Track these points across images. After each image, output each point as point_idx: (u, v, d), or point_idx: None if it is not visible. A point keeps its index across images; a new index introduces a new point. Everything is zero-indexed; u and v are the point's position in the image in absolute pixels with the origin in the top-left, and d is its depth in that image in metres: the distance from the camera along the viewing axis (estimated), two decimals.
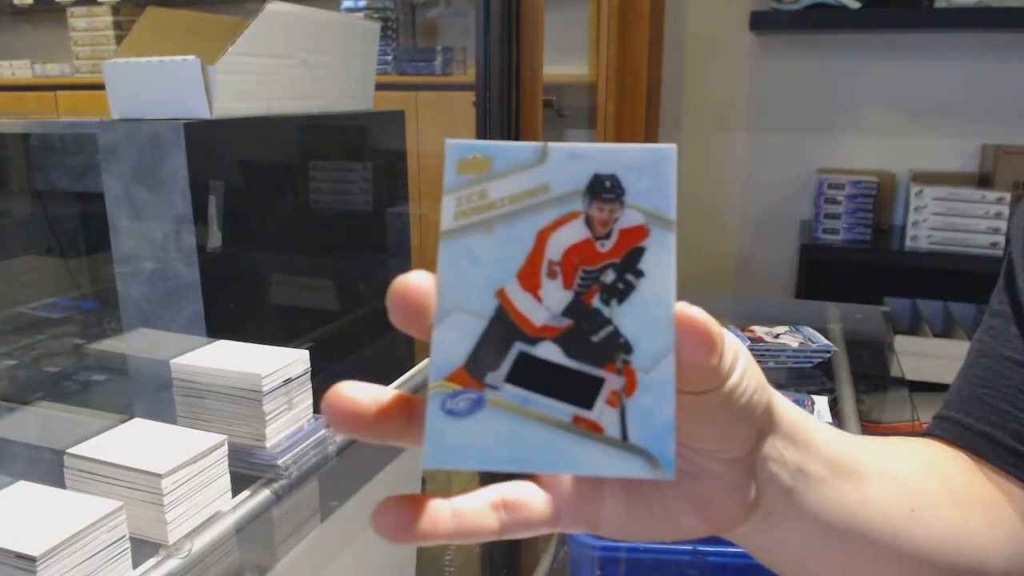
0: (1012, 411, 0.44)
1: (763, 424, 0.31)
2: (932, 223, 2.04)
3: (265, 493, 0.69)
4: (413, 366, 1.04)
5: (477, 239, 0.25)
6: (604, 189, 0.25)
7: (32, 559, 0.48)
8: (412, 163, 1.29)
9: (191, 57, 0.86)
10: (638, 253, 0.25)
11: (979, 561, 0.40)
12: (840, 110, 2.35)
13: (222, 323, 0.88)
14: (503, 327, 0.25)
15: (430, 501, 0.27)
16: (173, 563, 0.59)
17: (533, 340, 0.25)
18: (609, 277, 0.25)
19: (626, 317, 0.25)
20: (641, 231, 0.25)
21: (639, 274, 0.25)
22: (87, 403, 0.99)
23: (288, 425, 0.72)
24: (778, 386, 0.59)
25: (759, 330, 1.13)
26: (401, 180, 1.25)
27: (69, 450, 0.60)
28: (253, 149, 0.95)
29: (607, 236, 0.25)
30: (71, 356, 1.09)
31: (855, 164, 2.36)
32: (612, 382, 0.25)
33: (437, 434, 0.25)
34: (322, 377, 0.76)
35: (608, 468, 0.25)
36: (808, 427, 0.33)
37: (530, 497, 0.29)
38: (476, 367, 0.25)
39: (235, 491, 0.66)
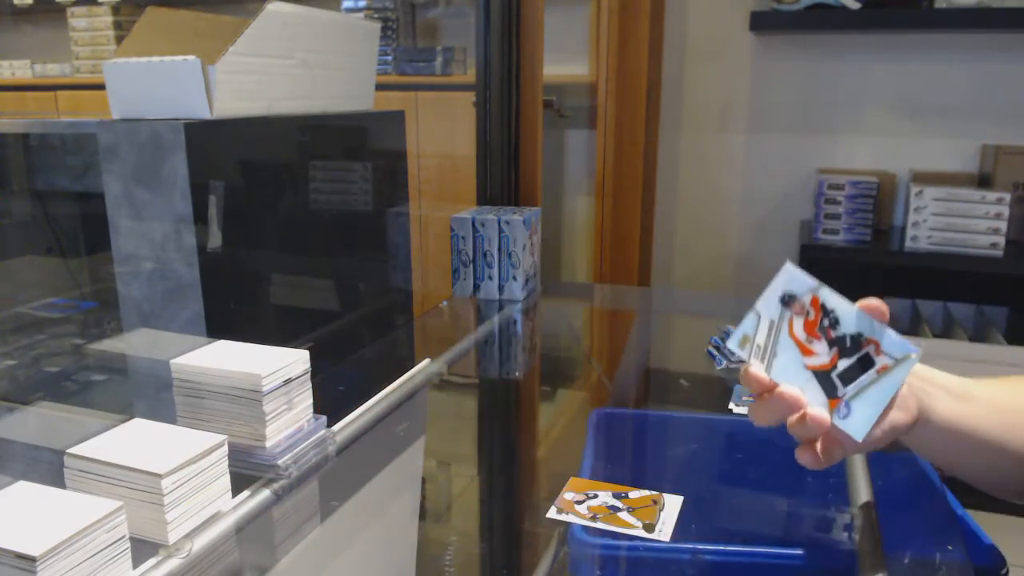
0: None
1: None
2: (932, 223, 2.04)
3: (265, 493, 0.69)
4: (413, 366, 1.04)
5: (778, 360, 0.60)
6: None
7: (32, 559, 0.48)
8: (412, 163, 1.29)
9: (191, 57, 0.86)
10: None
11: None
12: (840, 110, 2.35)
13: (222, 323, 0.88)
14: (822, 376, 0.59)
15: (806, 412, 0.56)
16: (173, 563, 0.59)
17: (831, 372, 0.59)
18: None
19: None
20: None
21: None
22: (87, 403, 0.99)
23: (288, 425, 0.72)
24: None
25: None
26: (401, 180, 1.25)
27: (69, 450, 0.60)
28: (253, 149, 0.95)
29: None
30: (71, 356, 1.09)
31: (855, 164, 2.36)
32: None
33: (851, 426, 0.57)
34: (322, 377, 0.76)
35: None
36: (934, 374, 0.63)
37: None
38: (831, 393, 0.58)
39: (235, 491, 0.66)
